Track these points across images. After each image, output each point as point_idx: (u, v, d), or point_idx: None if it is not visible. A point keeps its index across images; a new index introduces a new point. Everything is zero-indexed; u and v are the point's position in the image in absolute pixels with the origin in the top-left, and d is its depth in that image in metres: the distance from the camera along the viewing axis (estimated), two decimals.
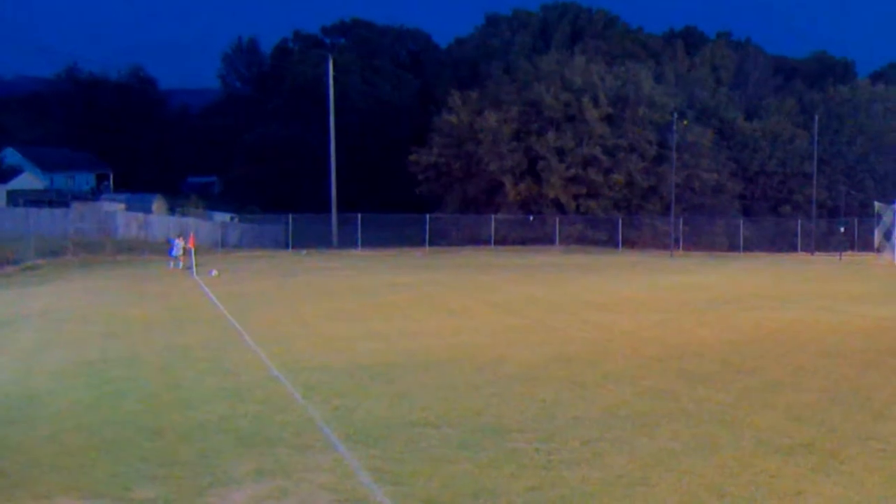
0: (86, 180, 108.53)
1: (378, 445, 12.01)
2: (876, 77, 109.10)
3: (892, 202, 63.13)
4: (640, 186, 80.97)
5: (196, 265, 45.19)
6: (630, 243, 76.44)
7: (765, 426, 12.98)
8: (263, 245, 71.44)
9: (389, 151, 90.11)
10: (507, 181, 78.63)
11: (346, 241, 69.94)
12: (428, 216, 72.66)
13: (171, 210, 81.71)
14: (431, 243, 70.52)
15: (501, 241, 74.06)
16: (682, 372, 17.30)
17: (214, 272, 43.83)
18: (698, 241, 78.35)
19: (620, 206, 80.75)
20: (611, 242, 75.60)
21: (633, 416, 13.57)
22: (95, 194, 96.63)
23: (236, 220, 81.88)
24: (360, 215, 70.10)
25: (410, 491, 10.01)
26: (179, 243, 47.76)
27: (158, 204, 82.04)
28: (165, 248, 50.59)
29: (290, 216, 69.48)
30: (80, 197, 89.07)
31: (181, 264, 46.35)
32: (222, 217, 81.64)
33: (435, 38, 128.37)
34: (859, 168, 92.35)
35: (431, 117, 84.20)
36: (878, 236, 66.58)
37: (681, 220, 76.40)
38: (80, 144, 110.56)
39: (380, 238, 69.09)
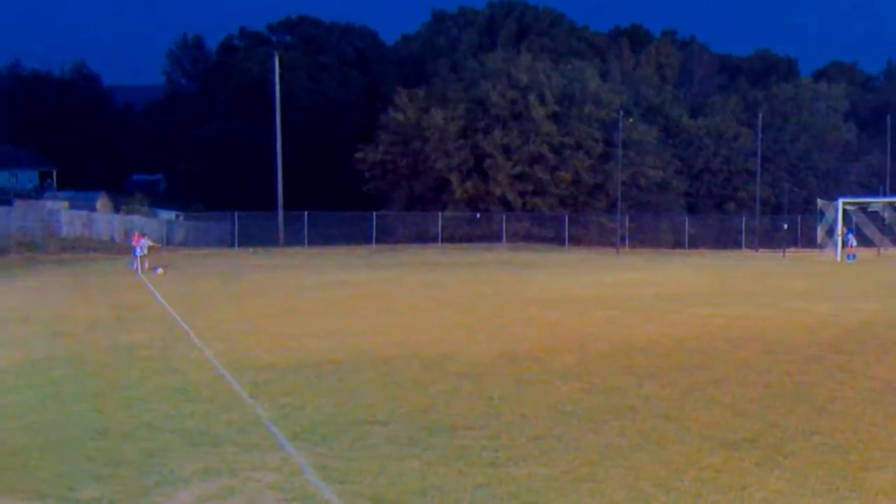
0: (28, 178, 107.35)
1: (325, 444, 11.97)
2: (818, 75, 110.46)
3: (835, 199, 63.83)
4: (586, 184, 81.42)
5: (141, 263, 44.85)
6: (576, 240, 76.84)
7: (710, 421, 13.07)
8: (209, 243, 71.11)
9: (336, 149, 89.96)
10: (454, 179, 78.77)
11: (293, 239, 69.77)
12: (375, 214, 72.71)
13: (116, 208, 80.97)
14: (378, 241, 70.50)
15: (448, 238, 74.20)
16: (628, 368, 17.38)
17: (160, 270, 43.52)
18: (644, 238, 78.91)
19: (567, 203, 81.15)
20: (557, 240, 75.93)
21: (581, 413, 13.61)
22: (39, 192, 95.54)
23: (182, 218, 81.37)
24: (306, 213, 70.00)
25: (358, 489, 9.99)
26: (146, 242, 46.75)
27: (103, 202, 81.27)
28: (110, 247, 50.13)
29: (236, 214, 69.21)
30: (22, 195, 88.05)
31: (146, 265, 45.09)
32: (167, 215, 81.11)
33: (381, 36, 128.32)
34: (802, 165, 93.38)
35: (378, 115, 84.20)
36: (820, 233, 67.34)
37: (627, 218, 76.90)
38: (22, 142, 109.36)
39: (327, 236, 69.00)
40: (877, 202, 69.96)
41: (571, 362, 18.14)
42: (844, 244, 60.35)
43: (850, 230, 64.60)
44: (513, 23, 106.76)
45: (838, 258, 58.79)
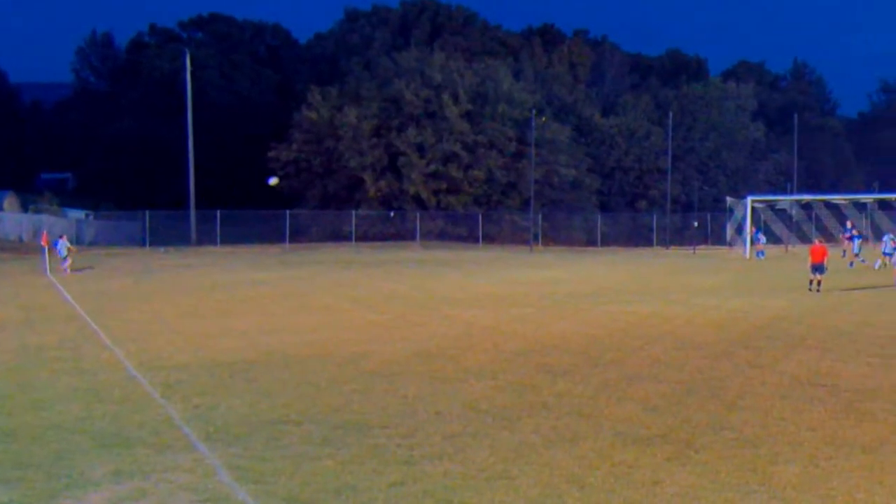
0: None
1: (239, 444, 11.88)
2: (727, 75, 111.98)
3: (744, 197, 64.79)
4: (499, 182, 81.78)
5: (50, 263, 44.16)
6: (490, 239, 77.13)
7: (623, 418, 13.19)
8: (120, 242, 70.24)
9: (249, 147, 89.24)
10: (368, 177, 78.71)
11: (206, 238, 69.18)
12: (288, 212, 72.35)
13: (24, 207, 79.59)
14: (292, 240, 70.18)
15: (362, 237, 74.09)
16: (542, 366, 17.48)
17: (69, 270, 42.91)
18: (557, 236, 79.46)
19: (480, 201, 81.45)
20: (471, 238, 76.14)
21: (495, 410, 13.66)
22: None
23: (92, 217, 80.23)
24: (219, 212, 69.42)
25: (272, 489, 9.93)
26: (64, 243, 45.67)
27: (10, 201, 79.80)
28: (18, 247, 49.27)
29: (147, 213, 68.48)
30: None
31: (67, 264, 44.11)
32: (77, 214, 79.94)
33: (294, 34, 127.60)
34: (712, 164, 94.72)
35: (291, 113, 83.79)
36: (730, 230, 68.34)
37: (540, 216, 77.37)
38: None
39: (240, 234, 68.53)
40: (784, 200, 71.15)
41: (486, 360, 18.20)
42: (754, 242, 61.25)
43: (759, 229, 65.57)
44: (426, 22, 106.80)
45: (747, 255, 59.67)
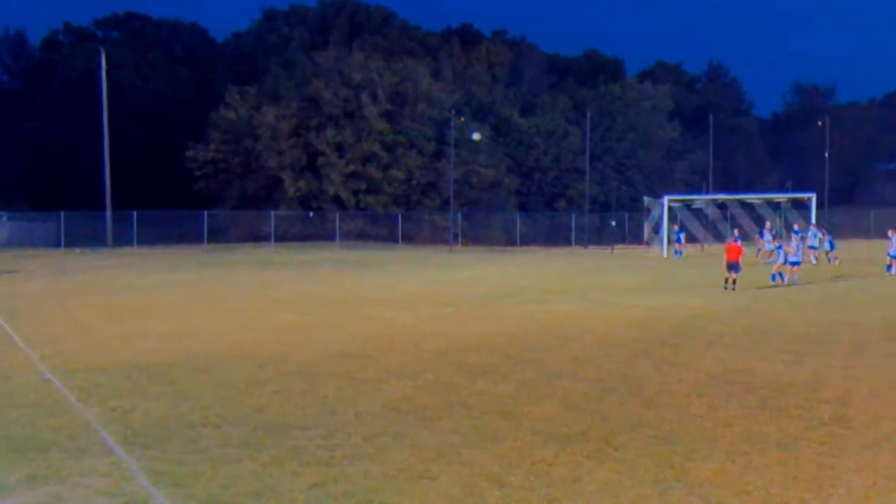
0: None
1: (157, 447, 11.76)
2: (644, 75, 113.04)
3: (661, 197, 65.45)
4: (419, 182, 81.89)
5: None
6: (410, 239, 77.17)
7: (543, 416, 13.26)
8: (34, 244, 69.18)
9: (166, 147, 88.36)
10: (287, 177, 78.40)
11: (122, 239, 68.40)
12: (206, 213, 71.79)
13: None
14: (210, 240, 69.65)
15: (281, 237, 73.74)
16: (462, 365, 17.52)
17: None
18: (477, 235, 79.71)
19: (400, 201, 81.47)
20: (391, 238, 76.11)
21: (415, 410, 13.67)
22: None
23: (5, 218, 78.91)
24: (135, 212, 68.66)
25: (191, 492, 9.85)
26: None
27: None
28: None
29: (62, 214, 67.52)
30: None
31: None
32: None
33: (212, 33, 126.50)
34: (629, 163, 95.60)
35: (209, 113, 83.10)
36: (647, 229, 69.01)
37: (459, 216, 77.55)
38: None
39: (157, 235, 67.88)
40: (700, 199, 71.95)
41: (406, 360, 18.21)
42: (673, 242, 61.83)
43: (682, 229, 66.18)
44: (345, 21, 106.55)
45: (664, 254, 60.29)
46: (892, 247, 41.26)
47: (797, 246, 38.42)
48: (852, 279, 39.73)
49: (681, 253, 61.09)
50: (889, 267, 41.04)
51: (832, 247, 48.24)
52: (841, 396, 14.70)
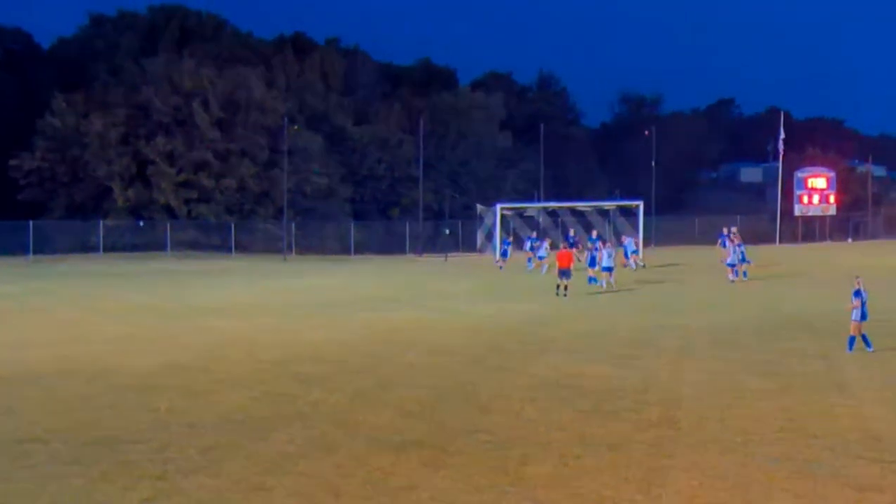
0: None
1: None
2: (476, 85, 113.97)
3: (493, 205, 66.10)
4: (252, 191, 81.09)
5: None
6: (243, 248, 76.32)
7: (378, 424, 13.32)
8: None
9: None
10: (116, 186, 76.70)
11: None
12: (31, 223, 69.73)
13: None
14: (36, 251, 67.64)
15: (111, 247, 72.07)
16: (297, 375, 17.47)
17: None
18: (311, 244, 79.27)
19: (233, 210, 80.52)
20: (224, 247, 75.10)
21: (250, 421, 13.59)
22: None
23: None
24: None
25: None
26: None
27: None
28: None
29: None
30: None
31: None
32: None
33: (36, 38, 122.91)
34: (462, 172, 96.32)
35: (34, 120, 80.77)
36: (480, 237, 69.64)
37: (293, 225, 77.06)
38: None
39: None
40: (532, 207, 72.91)
41: (240, 371, 18.07)
42: (503, 255, 61.05)
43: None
44: (175, 28, 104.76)
45: (497, 262, 60.78)
46: (731, 256, 42.36)
47: (608, 253, 39.33)
48: (681, 284, 40.86)
49: (506, 255, 58.98)
50: (735, 272, 42.26)
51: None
52: (669, 398, 15.13)
